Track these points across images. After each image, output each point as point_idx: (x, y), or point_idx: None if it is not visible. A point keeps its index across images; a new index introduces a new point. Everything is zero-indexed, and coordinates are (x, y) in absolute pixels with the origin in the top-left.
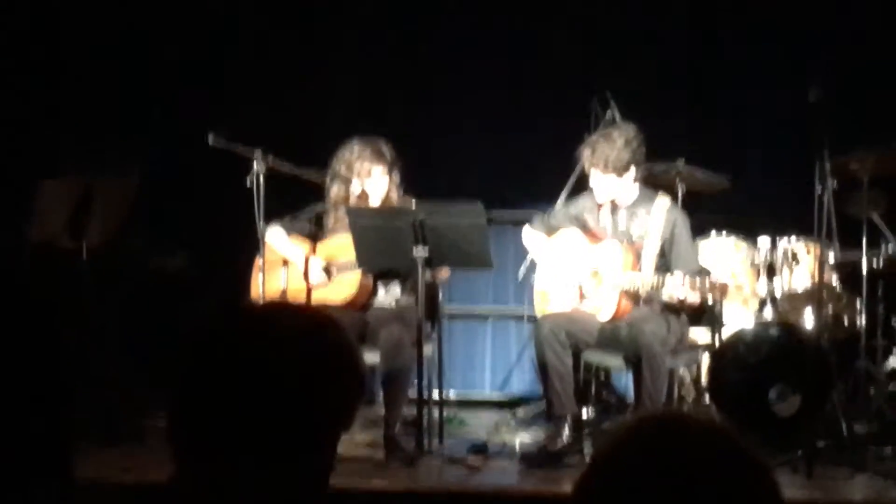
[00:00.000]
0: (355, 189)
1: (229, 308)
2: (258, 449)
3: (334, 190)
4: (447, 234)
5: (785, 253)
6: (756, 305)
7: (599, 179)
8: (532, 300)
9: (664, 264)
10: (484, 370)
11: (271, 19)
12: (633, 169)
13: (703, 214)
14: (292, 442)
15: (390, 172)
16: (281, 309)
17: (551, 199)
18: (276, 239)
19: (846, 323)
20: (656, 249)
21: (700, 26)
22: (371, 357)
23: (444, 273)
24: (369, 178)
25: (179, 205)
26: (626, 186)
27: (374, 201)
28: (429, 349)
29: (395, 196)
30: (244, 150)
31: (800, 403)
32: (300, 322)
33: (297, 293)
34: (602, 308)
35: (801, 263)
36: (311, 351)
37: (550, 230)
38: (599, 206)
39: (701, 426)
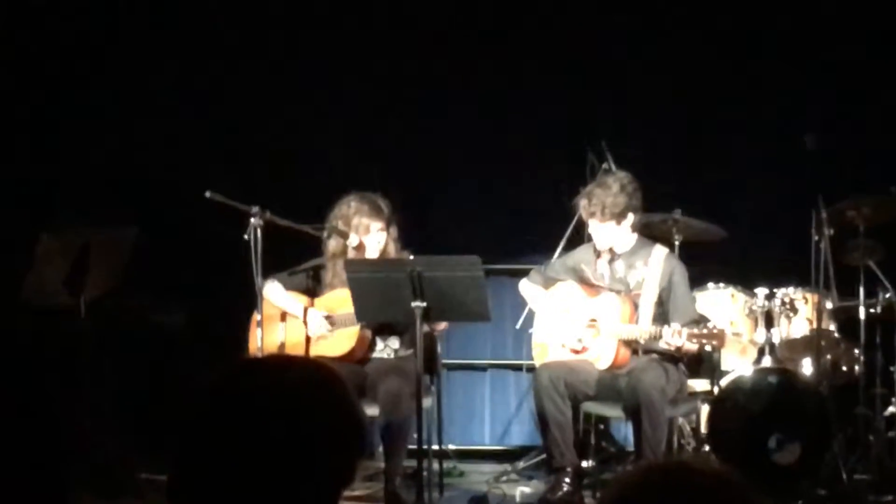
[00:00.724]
0: (353, 242)
1: (229, 363)
2: (259, 503)
3: (332, 244)
4: (445, 287)
5: (783, 302)
6: (754, 354)
7: (597, 228)
8: (530, 351)
9: (662, 313)
10: (483, 421)
11: (265, 74)
12: (630, 216)
13: (700, 265)
14: (294, 498)
15: (388, 227)
16: (281, 363)
17: (548, 250)
18: (274, 294)
19: (845, 370)
20: (654, 299)
21: (696, 75)
22: (370, 410)
23: (441, 325)
24: (368, 235)
25: (176, 261)
26: (624, 234)
27: (372, 255)
28: (428, 401)
29: (392, 250)
30: (241, 205)
31: (800, 452)
32: (300, 376)
33: (295, 347)
34: (601, 357)
35: (799, 313)
36: (311, 405)
37: (548, 282)
38: (597, 255)
39: (707, 475)
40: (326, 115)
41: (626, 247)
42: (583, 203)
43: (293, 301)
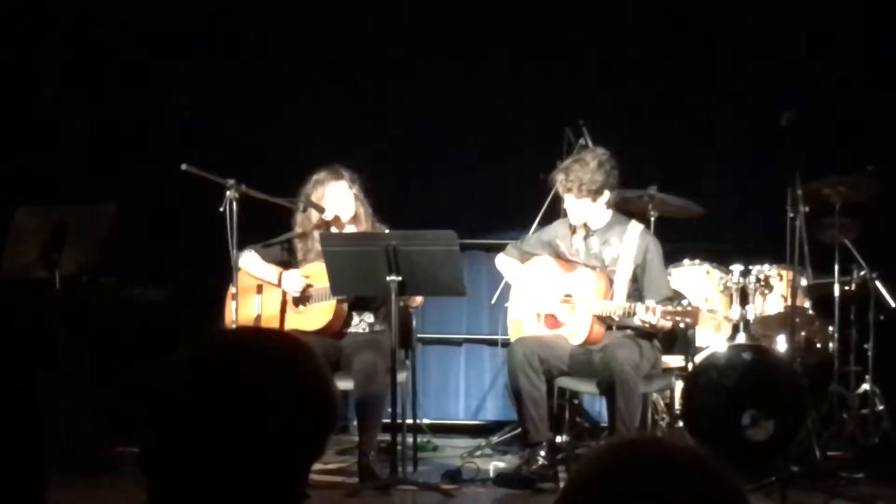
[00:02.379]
0: (328, 216)
1: (201, 335)
2: (229, 477)
3: (300, 218)
4: (420, 262)
5: (758, 279)
6: (729, 330)
7: (573, 203)
8: (506, 326)
9: (636, 290)
10: (458, 396)
11: (246, 50)
12: (606, 193)
13: (676, 241)
14: (264, 470)
15: (351, 188)
16: (252, 335)
17: (524, 226)
18: (250, 263)
19: (819, 347)
20: (629, 275)
21: (672, 54)
22: (345, 384)
23: (417, 300)
24: (328, 198)
25: (152, 234)
26: (599, 210)
27: (343, 219)
28: (402, 376)
29: (362, 212)
30: (217, 178)
31: (773, 428)
32: (271, 348)
33: (271, 319)
34: (575, 333)
35: (774, 290)
36: (281, 377)
37: (524, 257)
38: (572, 231)
39: (676, 451)
40: (302, 90)
41: (601, 223)
42: (560, 178)
43: (268, 268)
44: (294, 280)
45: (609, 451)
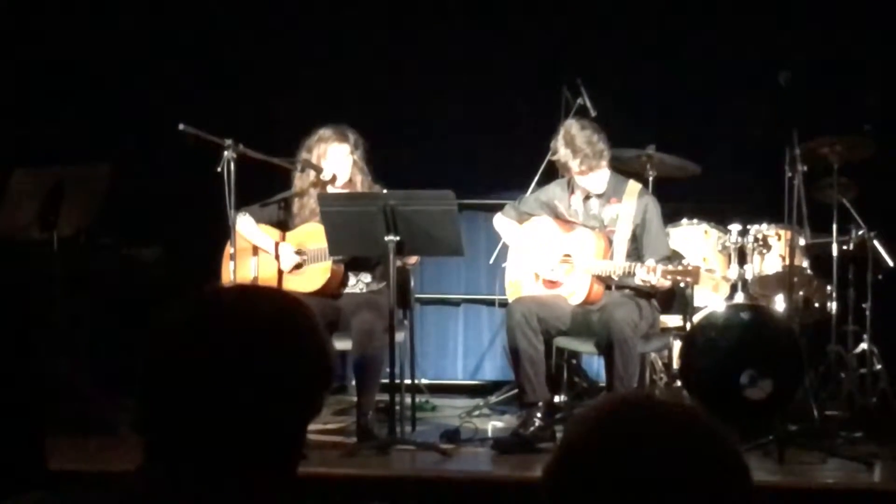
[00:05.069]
0: (326, 175)
1: (196, 293)
2: (225, 435)
3: (298, 177)
4: (418, 222)
5: (756, 238)
6: (727, 290)
7: (598, 176)
8: (503, 286)
9: (635, 249)
10: (456, 356)
11: (244, 13)
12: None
13: (674, 202)
14: (261, 428)
15: (353, 153)
16: (247, 292)
17: (522, 186)
18: (246, 228)
19: (817, 307)
20: (628, 235)
21: (669, 12)
22: (343, 344)
23: (413, 258)
24: (327, 159)
25: (149, 194)
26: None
27: (339, 181)
28: (400, 336)
29: (359, 179)
30: (215, 138)
31: (771, 388)
32: (267, 305)
33: (268, 281)
34: (574, 293)
35: (772, 249)
36: (277, 335)
37: (522, 217)
38: (571, 191)
39: (668, 407)
40: (298, 52)
41: (602, 186)
42: (574, 163)
43: (264, 236)
44: (287, 256)
45: (601, 409)
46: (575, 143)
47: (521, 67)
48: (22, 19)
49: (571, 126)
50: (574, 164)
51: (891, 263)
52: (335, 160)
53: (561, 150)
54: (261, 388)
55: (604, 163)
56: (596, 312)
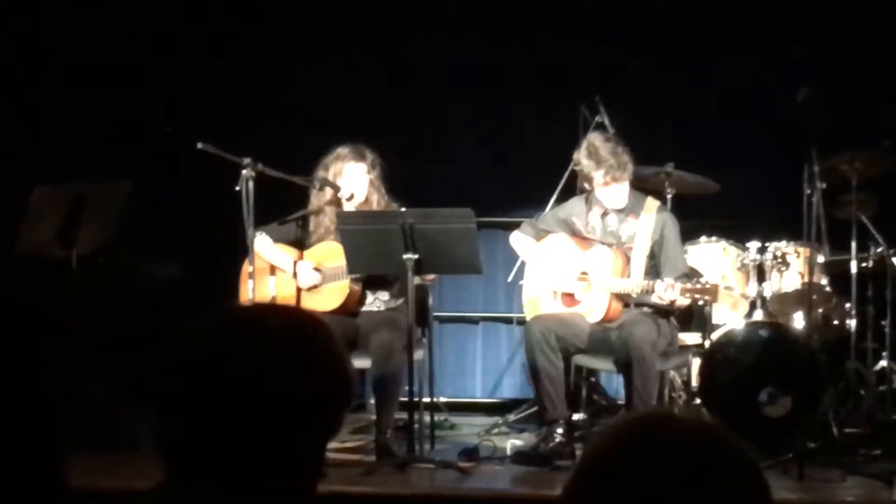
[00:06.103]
0: (345, 194)
1: (216, 311)
2: (245, 453)
3: (315, 195)
4: (437, 240)
5: (774, 256)
6: (746, 308)
7: (618, 189)
8: (522, 303)
9: (653, 266)
10: (475, 374)
11: (262, 29)
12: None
13: (693, 219)
14: (280, 447)
15: (370, 172)
16: (267, 311)
17: (541, 204)
18: (263, 248)
19: (836, 324)
20: (646, 252)
21: (687, 29)
22: (362, 362)
23: (431, 275)
24: (344, 177)
25: (168, 213)
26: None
27: (356, 200)
28: (419, 354)
29: (375, 198)
30: (233, 156)
31: (791, 405)
32: (286, 324)
33: (286, 300)
34: (592, 310)
35: (791, 267)
36: (297, 353)
37: (539, 235)
38: (589, 208)
39: (690, 425)
40: (318, 68)
41: (621, 203)
42: (597, 174)
43: (282, 255)
44: (306, 274)
45: (622, 426)
46: (599, 154)
47: (539, 85)
48: (41, 35)
49: (595, 138)
50: (598, 175)
51: None
52: (352, 179)
53: (584, 161)
54: (280, 406)
55: (627, 175)
56: (615, 330)
